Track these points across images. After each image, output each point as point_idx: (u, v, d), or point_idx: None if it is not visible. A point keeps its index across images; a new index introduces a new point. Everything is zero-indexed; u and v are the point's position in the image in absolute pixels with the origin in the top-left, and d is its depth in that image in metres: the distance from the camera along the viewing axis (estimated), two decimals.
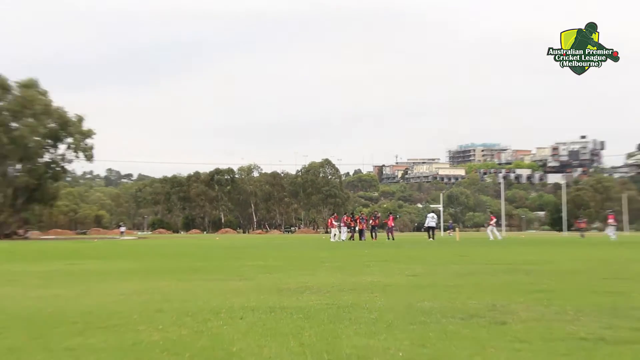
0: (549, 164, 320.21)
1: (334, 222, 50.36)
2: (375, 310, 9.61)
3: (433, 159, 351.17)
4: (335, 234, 49.60)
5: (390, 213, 54.79)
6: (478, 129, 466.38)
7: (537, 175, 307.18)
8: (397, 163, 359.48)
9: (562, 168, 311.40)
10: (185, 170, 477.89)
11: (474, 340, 7.62)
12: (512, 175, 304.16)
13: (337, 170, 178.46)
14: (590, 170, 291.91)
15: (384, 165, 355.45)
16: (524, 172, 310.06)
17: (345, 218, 51.18)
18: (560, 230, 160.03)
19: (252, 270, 17.96)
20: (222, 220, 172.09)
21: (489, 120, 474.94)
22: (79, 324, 8.74)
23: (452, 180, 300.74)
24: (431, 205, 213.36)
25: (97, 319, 9.14)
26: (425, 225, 51.92)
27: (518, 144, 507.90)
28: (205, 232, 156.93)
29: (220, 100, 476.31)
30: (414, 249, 32.99)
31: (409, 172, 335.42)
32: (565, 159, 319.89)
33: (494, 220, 52.12)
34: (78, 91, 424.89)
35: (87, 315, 9.45)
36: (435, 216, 51.01)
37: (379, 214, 53.65)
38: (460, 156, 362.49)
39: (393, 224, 51.06)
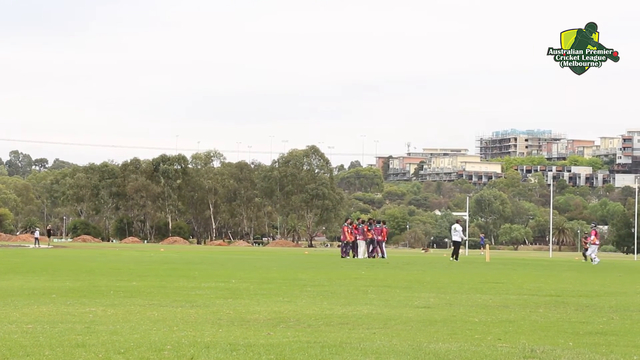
0: (618, 161, 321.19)
1: (351, 233, 50.26)
2: (372, 353, 9.72)
3: (458, 150, 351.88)
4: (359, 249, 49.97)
5: (351, 220, 54.13)
6: (521, 110, 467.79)
7: (600, 175, 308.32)
8: (409, 154, 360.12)
9: (635, 166, 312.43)
10: (120, 157, 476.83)
11: None
12: (565, 175, 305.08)
13: (327, 161, 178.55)
14: None
15: (391, 157, 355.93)
16: (583, 171, 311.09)
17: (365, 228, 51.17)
18: (630, 251, 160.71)
19: (209, 294, 18.02)
20: (170, 226, 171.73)
21: (536, 98, 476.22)
22: None
23: (484, 180, 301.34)
24: (453, 214, 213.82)
25: None
26: (454, 239, 51.91)
27: (576, 132, 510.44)
28: (146, 242, 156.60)
29: (169, 62, 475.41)
30: (427, 271, 33.10)
31: (425, 166, 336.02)
32: None
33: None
34: None
35: None
36: (460, 228, 51.22)
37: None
38: (495, 147, 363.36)
39: (369, 235, 50.72)
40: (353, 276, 26.80)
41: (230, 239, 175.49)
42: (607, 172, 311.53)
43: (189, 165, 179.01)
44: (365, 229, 50.63)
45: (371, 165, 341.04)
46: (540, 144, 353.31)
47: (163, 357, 9.10)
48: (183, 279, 23.43)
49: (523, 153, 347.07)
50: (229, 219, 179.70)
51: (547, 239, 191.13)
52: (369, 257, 49.85)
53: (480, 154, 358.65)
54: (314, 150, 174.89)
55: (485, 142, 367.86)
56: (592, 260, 51.46)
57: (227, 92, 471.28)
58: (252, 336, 10.97)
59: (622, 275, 33.77)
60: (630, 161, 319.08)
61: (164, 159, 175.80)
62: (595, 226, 56.31)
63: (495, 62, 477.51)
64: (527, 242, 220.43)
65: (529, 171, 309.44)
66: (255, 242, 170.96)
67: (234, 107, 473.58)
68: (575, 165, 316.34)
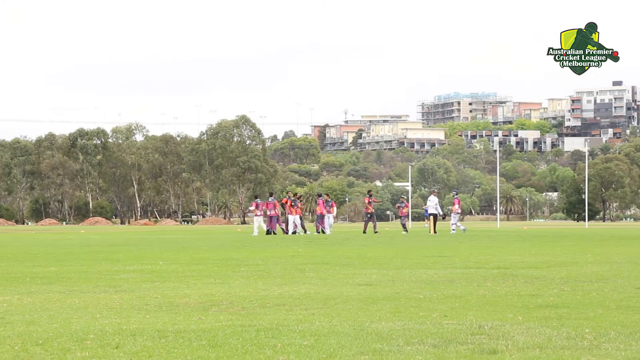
0: (567, 124, 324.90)
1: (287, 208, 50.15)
2: (311, 334, 9.77)
3: (399, 116, 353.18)
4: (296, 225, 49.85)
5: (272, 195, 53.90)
6: (465, 73, 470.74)
7: (548, 139, 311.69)
8: (346, 122, 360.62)
9: (585, 129, 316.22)
10: (33, 132, 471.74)
11: None
12: (512, 140, 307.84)
13: (259, 132, 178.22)
14: (627, 132, 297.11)
15: (327, 126, 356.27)
16: (530, 135, 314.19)
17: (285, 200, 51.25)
18: (581, 219, 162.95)
19: (134, 277, 17.96)
20: (90, 206, 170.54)
21: (480, 59, 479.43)
22: None
23: (426, 147, 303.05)
24: (395, 184, 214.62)
25: None
26: (429, 212, 51.82)
27: (522, 95, 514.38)
28: (64, 223, 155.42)
29: (85, 28, 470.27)
30: (368, 247, 33.27)
31: (363, 135, 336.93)
32: (590, 115, 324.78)
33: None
34: None
35: None
36: (435, 200, 51.32)
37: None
38: (438, 112, 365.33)
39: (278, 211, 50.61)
40: (289, 254, 26.87)
41: (156, 217, 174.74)
42: (556, 136, 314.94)
43: (110, 140, 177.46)
44: (290, 204, 50.72)
45: (306, 135, 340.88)
46: (485, 107, 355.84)
47: (86, 347, 9.05)
48: (106, 263, 23.31)
49: (467, 118, 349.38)
50: (155, 196, 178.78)
51: (494, 208, 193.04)
52: (364, 232, 50.76)
53: (422, 119, 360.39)
54: (244, 120, 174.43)
55: (427, 107, 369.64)
56: (451, 230, 52.17)
57: (148, 59, 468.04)
58: (181, 321, 10.96)
59: (572, 245, 34.26)
60: (579, 123, 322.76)
61: (81, 133, 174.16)
62: (456, 194, 56.52)
63: (434, 21, 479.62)
64: (473, 212, 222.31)
65: (473, 137, 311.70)
66: (184, 221, 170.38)
67: (156, 76, 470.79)
68: (522, 129, 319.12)
